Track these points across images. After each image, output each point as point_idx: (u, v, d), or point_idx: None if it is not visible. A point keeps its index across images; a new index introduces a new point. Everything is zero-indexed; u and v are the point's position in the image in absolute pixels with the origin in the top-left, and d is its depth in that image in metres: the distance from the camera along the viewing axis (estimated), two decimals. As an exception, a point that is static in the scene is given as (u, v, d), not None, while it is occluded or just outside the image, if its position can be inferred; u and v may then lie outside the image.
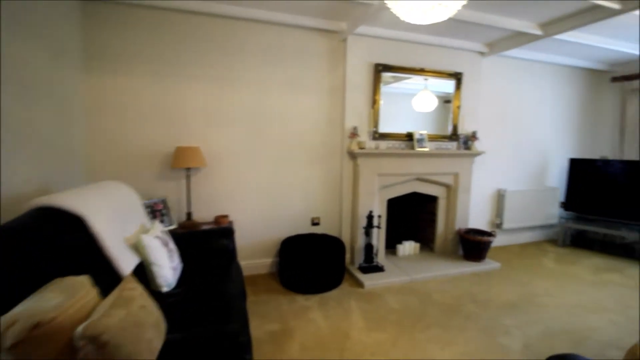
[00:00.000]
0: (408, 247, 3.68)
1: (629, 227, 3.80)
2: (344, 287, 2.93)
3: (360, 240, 3.27)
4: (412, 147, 3.38)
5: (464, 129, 3.63)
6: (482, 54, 3.62)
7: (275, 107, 3.06)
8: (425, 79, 3.45)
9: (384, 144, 3.32)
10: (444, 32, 3.20)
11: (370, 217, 3.17)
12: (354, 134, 3.16)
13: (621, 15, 2.53)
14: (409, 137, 3.42)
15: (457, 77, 3.54)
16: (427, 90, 3.48)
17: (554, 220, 4.39)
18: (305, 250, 2.92)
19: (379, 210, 3.36)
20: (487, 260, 3.51)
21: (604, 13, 2.52)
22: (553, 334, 2.26)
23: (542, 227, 4.41)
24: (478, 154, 3.59)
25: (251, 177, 3.06)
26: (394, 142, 3.38)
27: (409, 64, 3.35)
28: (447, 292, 2.87)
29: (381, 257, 3.41)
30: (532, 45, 3.53)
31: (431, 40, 3.32)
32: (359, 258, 3.27)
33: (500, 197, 4.10)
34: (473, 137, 3.59)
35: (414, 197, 3.70)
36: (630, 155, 4.07)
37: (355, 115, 3.24)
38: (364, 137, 3.26)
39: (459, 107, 3.60)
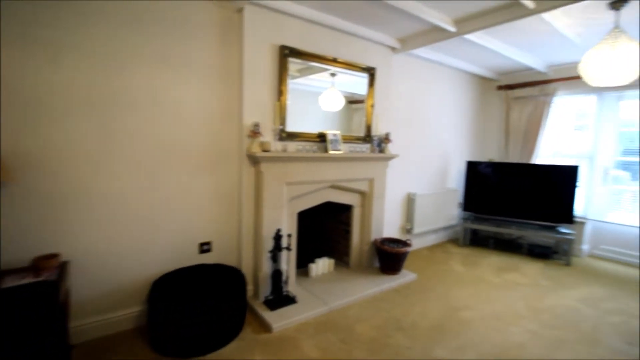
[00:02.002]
0: (322, 266, 3.17)
1: (517, 225, 4.11)
2: (246, 335, 2.21)
3: (266, 267, 2.59)
4: (326, 150, 2.87)
5: (378, 130, 3.31)
6: (393, 49, 3.35)
7: (142, 92, 2.14)
8: (333, 75, 2.99)
9: (292, 146, 2.72)
10: (359, 18, 2.78)
11: (278, 238, 2.52)
12: (255, 132, 2.46)
13: (527, 18, 2.50)
14: (321, 138, 2.90)
15: (371, 72, 3.19)
16: (335, 88, 3.03)
17: (454, 221, 4.53)
18: (188, 290, 2.10)
19: (289, 227, 2.75)
20: (403, 271, 3.26)
21: (517, 13, 2.43)
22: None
23: (445, 228, 4.49)
24: (393, 157, 3.31)
25: (103, 190, 2.06)
26: (304, 143, 2.81)
27: (320, 51, 2.82)
28: (370, 320, 2.43)
29: (292, 284, 2.80)
30: (439, 47, 3.45)
31: (345, 27, 2.86)
32: (265, 289, 2.59)
33: (410, 202, 3.97)
34: (387, 139, 3.30)
35: (327, 207, 3.21)
36: (514, 157, 4.44)
37: (257, 109, 2.54)
38: (268, 136, 2.60)
39: (372, 106, 3.26)
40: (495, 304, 2.77)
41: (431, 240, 4.37)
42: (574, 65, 3.76)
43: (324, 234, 3.60)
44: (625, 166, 3.89)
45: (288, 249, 2.60)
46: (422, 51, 3.55)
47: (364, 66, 3.13)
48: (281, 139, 2.66)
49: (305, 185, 2.79)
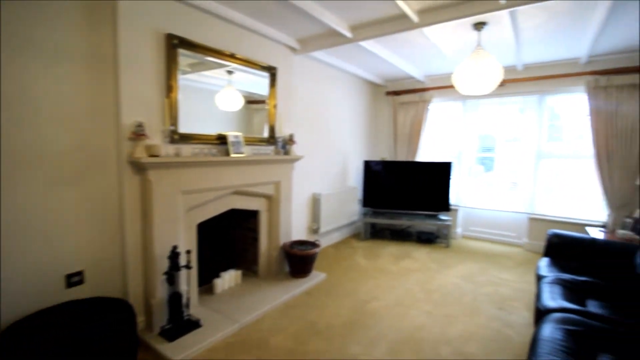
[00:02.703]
0: (228, 279, 2.91)
1: (407, 216, 4.59)
2: (140, 378, 1.84)
3: (161, 292, 2.22)
4: (227, 153, 2.63)
5: (282, 131, 3.22)
6: (294, 50, 3.31)
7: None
8: (230, 73, 2.78)
9: (187, 149, 2.38)
10: (260, 15, 2.63)
11: (174, 256, 2.18)
12: (139, 134, 2.06)
13: (411, 32, 2.77)
14: (221, 140, 2.64)
15: (272, 71, 3.07)
16: (232, 86, 2.81)
17: (356, 217, 4.80)
18: (50, 339, 1.61)
19: (187, 241, 2.41)
20: (313, 272, 3.26)
21: (404, 25, 2.65)
22: (396, 348, 2.13)
23: (347, 225, 4.71)
24: (298, 158, 3.26)
25: None
26: (201, 146, 2.51)
27: (217, 45, 2.56)
28: (285, 330, 2.33)
29: (195, 305, 2.48)
30: (338, 52, 3.57)
31: (245, 22, 2.67)
32: (161, 317, 2.22)
33: (316, 202, 4.02)
34: (291, 140, 3.23)
35: (232, 215, 2.97)
36: (402, 156, 4.96)
37: (141, 106, 2.14)
38: (156, 139, 2.22)
39: (275, 107, 3.15)
40: (396, 291, 3.00)
41: (336, 237, 4.53)
42: (447, 75, 4.40)
43: (230, 244, 3.33)
44: (482, 161, 4.76)
45: (188, 267, 2.27)
46: (322, 55, 3.62)
47: (264, 65, 2.99)
48: (173, 141, 2.31)
49: (205, 193, 2.49)
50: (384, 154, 5.24)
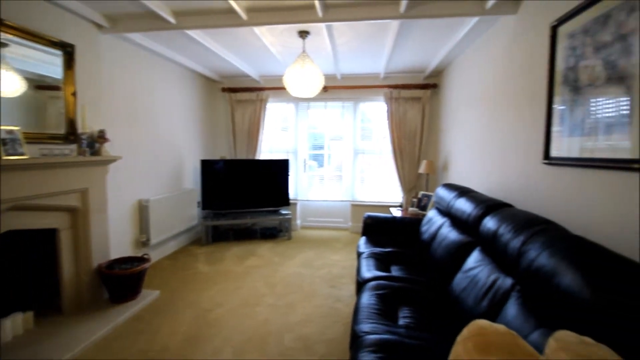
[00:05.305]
0: (13, 326, 2.13)
1: (250, 214, 4.60)
2: None
3: None
4: (-6, 154, 1.90)
5: (87, 126, 2.59)
6: (100, 27, 2.71)
7: None
8: (3, 45, 2.03)
9: None
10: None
11: None
12: None
13: (244, 30, 2.75)
14: (-17, 135, 1.88)
15: (68, 49, 2.42)
16: (5, 63, 2.07)
17: (195, 222, 4.45)
18: None
19: None
20: (143, 292, 2.81)
21: (233, 21, 2.59)
22: (241, 349, 2.08)
23: (186, 231, 4.32)
24: (113, 159, 2.71)
25: None
26: (-59, 144, 1.71)
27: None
28: (104, 372, 1.89)
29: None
30: (165, 39, 3.18)
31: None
32: None
33: (143, 210, 3.47)
34: (102, 137, 2.64)
35: (15, 239, 2.18)
36: (242, 154, 4.91)
37: None
38: None
39: (75, 95, 2.50)
40: (241, 292, 2.94)
41: (173, 247, 4.07)
42: (279, 77, 4.61)
43: (14, 279, 2.44)
44: (314, 157, 5.29)
45: None
46: (145, 40, 3.15)
47: (55, 40, 2.32)
48: None
49: (-47, 213, 1.72)
50: (224, 152, 5.07)
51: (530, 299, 1.25)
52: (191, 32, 2.88)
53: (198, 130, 4.66)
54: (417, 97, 4.53)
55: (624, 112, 1.34)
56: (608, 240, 1.37)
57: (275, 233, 4.71)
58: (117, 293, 2.64)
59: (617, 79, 1.41)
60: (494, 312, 1.39)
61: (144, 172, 3.52)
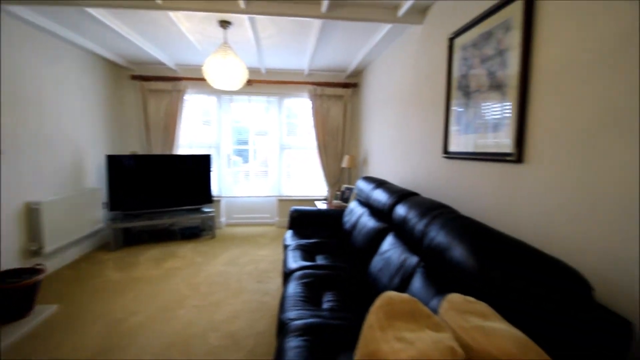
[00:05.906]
0: None
1: (168, 214, 4.27)
2: None
3: None
4: None
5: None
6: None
7: None
8: None
9: None
10: None
11: None
12: None
13: (159, 14, 2.53)
14: None
15: None
16: None
17: (101, 225, 3.97)
18: None
19: None
20: (37, 308, 2.42)
21: (144, 3, 2.37)
22: (163, 355, 1.95)
23: (89, 236, 3.82)
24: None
25: None
26: None
27: None
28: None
29: None
30: (58, 16, 2.74)
31: None
32: None
33: (32, 214, 2.96)
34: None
35: None
36: (157, 149, 4.52)
37: None
38: None
39: None
40: (160, 297, 2.75)
41: (74, 254, 3.57)
42: (199, 67, 4.36)
43: None
44: (239, 152, 5.15)
45: None
46: (33, 15, 2.66)
47: None
48: None
49: None
50: (136, 147, 4.60)
51: (432, 272, 1.46)
52: (94, 12, 2.55)
53: (102, 121, 4.13)
54: (339, 95, 4.75)
55: (507, 114, 1.63)
56: (491, 218, 1.67)
57: (198, 232, 4.48)
58: (3, 311, 2.22)
59: (496, 86, 1.71)
60: (403, 287, 1.58)
61: (34, 170, 3.00)
